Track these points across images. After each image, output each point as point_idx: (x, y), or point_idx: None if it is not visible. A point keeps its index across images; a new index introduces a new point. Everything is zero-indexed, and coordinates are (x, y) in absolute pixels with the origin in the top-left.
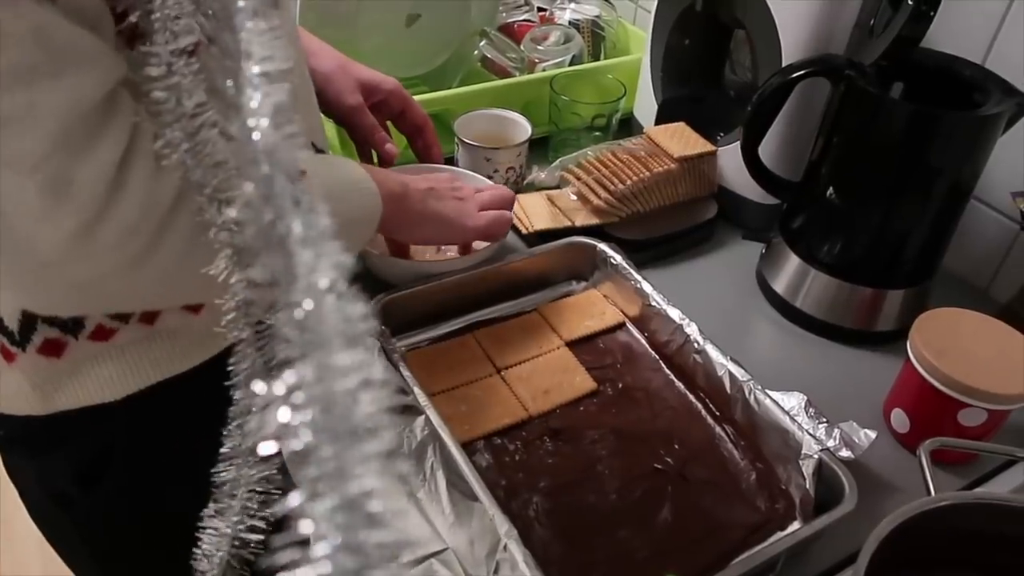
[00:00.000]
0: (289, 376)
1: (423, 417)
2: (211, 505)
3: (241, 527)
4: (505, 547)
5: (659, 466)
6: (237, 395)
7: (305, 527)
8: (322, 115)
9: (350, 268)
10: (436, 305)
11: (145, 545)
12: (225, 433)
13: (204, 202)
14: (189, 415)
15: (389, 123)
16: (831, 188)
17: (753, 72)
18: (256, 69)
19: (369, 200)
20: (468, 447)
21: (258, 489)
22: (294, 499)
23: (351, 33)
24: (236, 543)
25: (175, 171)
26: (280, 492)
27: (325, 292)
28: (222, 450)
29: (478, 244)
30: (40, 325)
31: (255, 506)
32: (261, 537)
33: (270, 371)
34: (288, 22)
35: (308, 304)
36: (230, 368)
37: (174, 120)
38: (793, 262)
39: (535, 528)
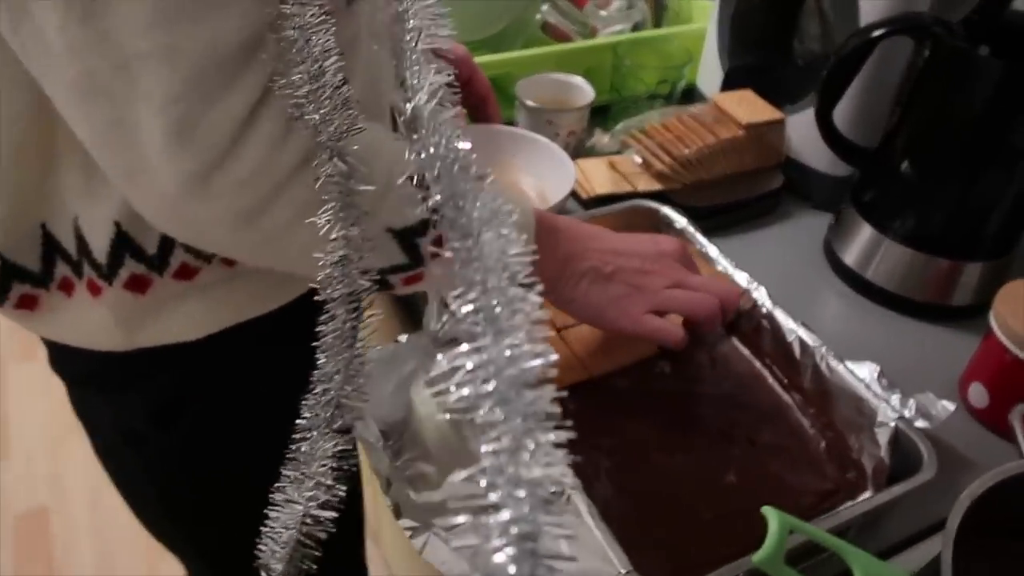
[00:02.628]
0: (473, 354)
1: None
2: (284, 478)
3: (314, 503)
4: (569, 498)
5: (725, 429)
6: (321, 359)
7: (491, 495)
8: None
9: (529, 253)
10: None
11: (212, 493)
12: (304, 401)
13: (317, 149)
14: (268, 360)
15: None
16: (909, 155)
17: (823, 41)
18: (420, 46)
19: (523, 218)
20: None
21: (333, 465)
22: (464, 472)
23: None
24: (307, 520)
25: (304, 138)
26: (355, 468)
27: (510, 278)
28: (299, 421)
29: (548, 196)
30: (128, 260)
31: (330, 482)
32: (334, 514)
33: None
34: None
35: (491, 283)
36: (318, 329)
37: (300, 62)
38: (865, 232)
39: (596, 485)
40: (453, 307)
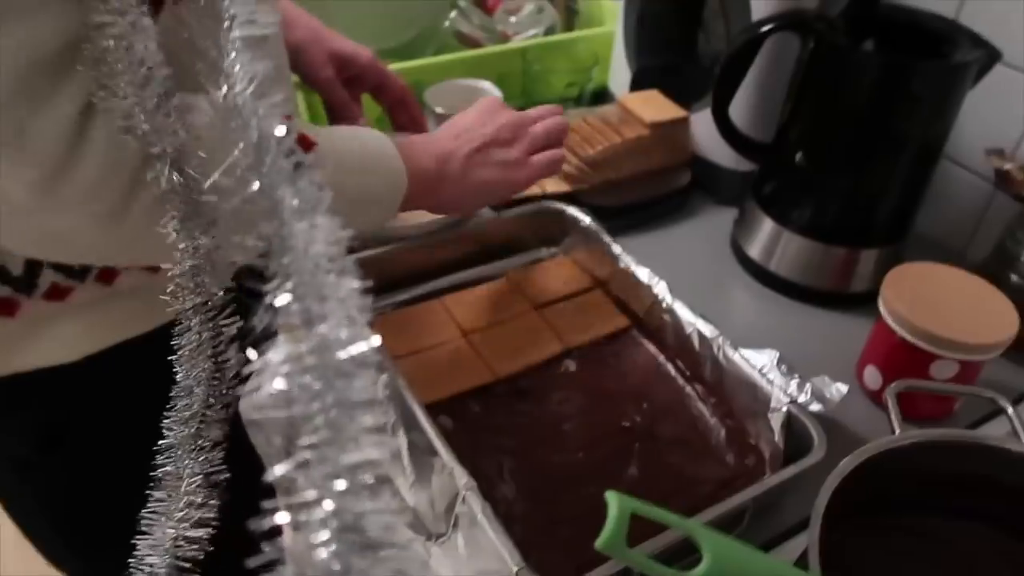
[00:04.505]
0: (284, 347)
1: (384, 377)
2: (150, 507)
3: (186, 524)
4: (464, 499)
5: (627, 424)
6: (179, 373)
7: (307, 492)
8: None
9: (347, 240)
10: (402, 270)
11: (105, 517)
12: (165, 420)
13: (155, 161)
14: (150, 379)
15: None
16: (802, 148)
17: (727, 41)
18: (237, 32)
19: (391, 179)
20: (432, 408)
21: (201, 483)
22: (280, 468)
23: (322, 3)
24: (180, 543)
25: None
26: (228, 478)
27: (320, 264)
28: (161, 442)
29: None
30: None
31: (200, 499)
32: (209, 531)
33: (243, 340)
34: None
35: (306, 276)
36: (172, 342)
37: (122, 71)
38: (766, 225)
39: (498, 487)
40: (268, 300)
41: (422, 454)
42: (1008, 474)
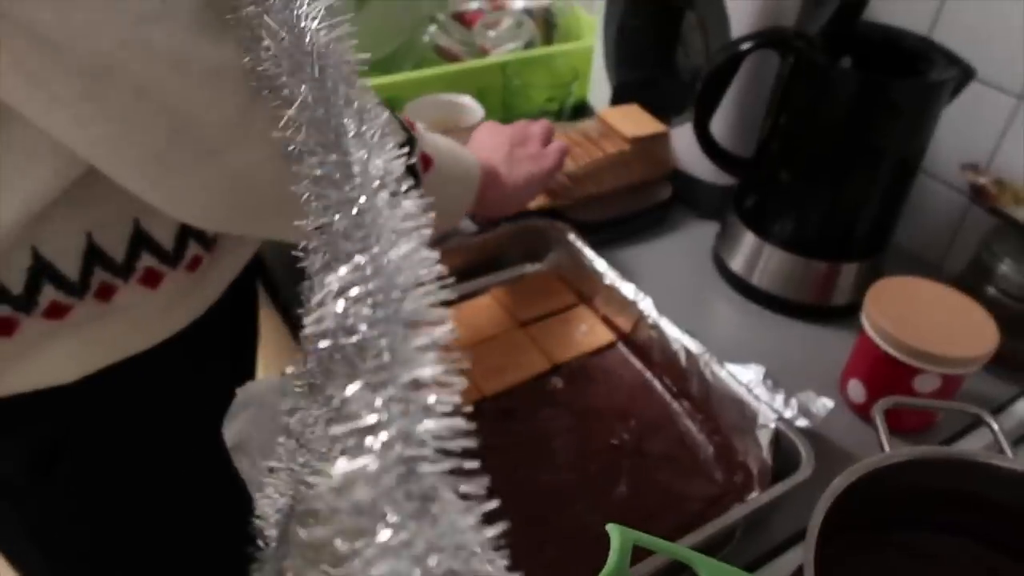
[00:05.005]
0: (344, 270)
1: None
2: (279, 446)
3: (307, 470)
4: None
5: (615, 442)
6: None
7: (365, 418)
8: None
9: (404, 166)
10: None
11: (100, 543)
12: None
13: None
14: (147, 399)
15: None
16: (782, 163)
17: (706, 55)
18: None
19: (470, 164)
20: None
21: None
22: (352, 388)
23: None
24: (302, 486)
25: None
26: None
27: (378, 189)
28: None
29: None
30: None
31: (324, 449)
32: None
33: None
34: None
35: (363, 200)
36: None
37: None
38: (748, 239)
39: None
40: (335, 225)
41: None
42: (995, 490)
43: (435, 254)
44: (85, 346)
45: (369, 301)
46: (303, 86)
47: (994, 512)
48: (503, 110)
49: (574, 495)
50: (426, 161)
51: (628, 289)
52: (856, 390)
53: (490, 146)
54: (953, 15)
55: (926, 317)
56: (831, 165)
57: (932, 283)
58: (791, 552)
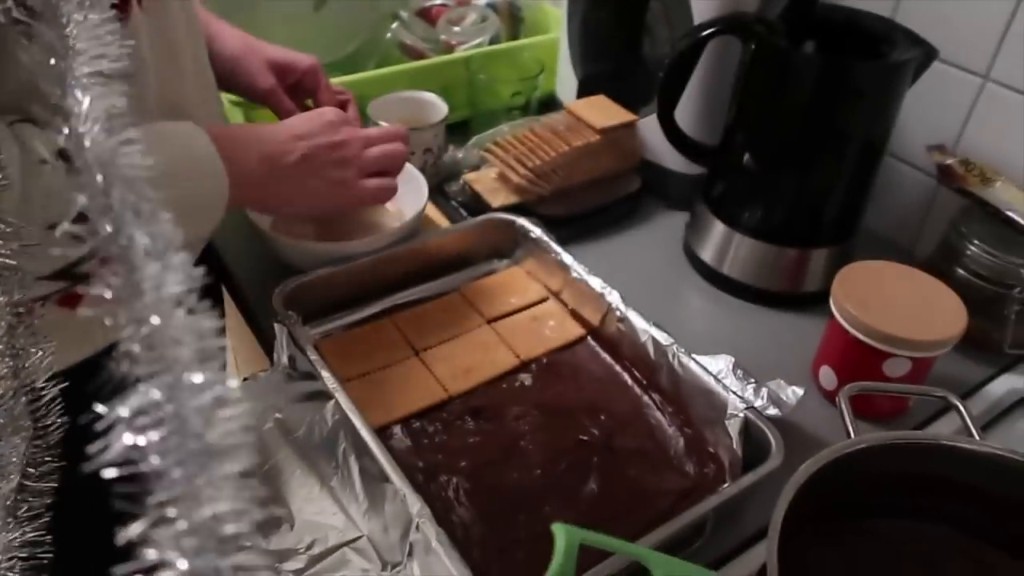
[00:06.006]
0: (135, 397)
1: (333, 402)
2: None
3: None
4: (418, 527)
5: (585, 438)
6: None
7: (151, 554)
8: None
9: (200, 279)
10: (350, 289)
11: (65, 548)
12: None
13: None
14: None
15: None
16: (748, 150)
17: (671, 45)
18: (86, 69)
19: (211, 185)
20: (384, 431)
21: (21, 555)
22: (137, 527)
23: (255, 19)
24: None
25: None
26: (51, 555)
27: (174, 307)
28: None
29: (393, 220)
30: None
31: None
32: None
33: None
34: (188, 4)
35: (155, 320)
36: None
37: None
38: (717, 228)
39: (455, 509)
40: (122, 347)
41: (375, 480)
42: (962, 472)
43: (232, 377)
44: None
45: (162, 430)
46: (83, 197)
47: (962, 494)
48: (469, 106)
49: (544, 495)
50: None
51: (595, 282)
52: (827, 377)
53: (303, 135)
54: None
55: (893, 300)
56: (797, 150)
57: (899, 266)
58: (763, 544)
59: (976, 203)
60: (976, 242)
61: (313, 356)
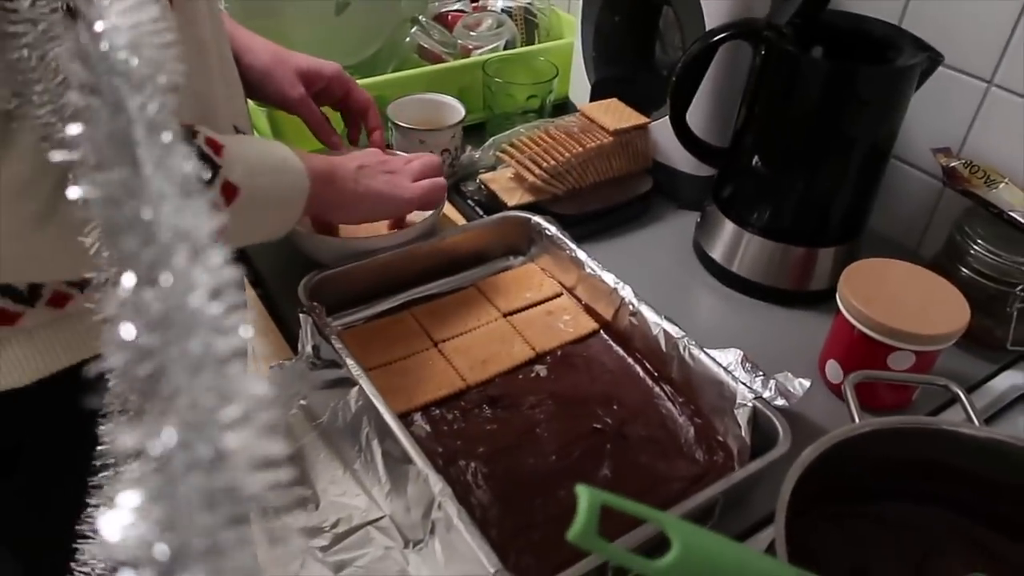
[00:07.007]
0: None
1: (356, 388)
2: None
3: None
4: (440, 506)
5: (598, 426)
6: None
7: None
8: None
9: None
10: (371, 283)
11: (62, 543)
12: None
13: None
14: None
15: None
16: (758, 152)
17: (683, 50)
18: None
19: (295, 179)
20: (405, 418)
21: None
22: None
23: (278, 23)
24: None
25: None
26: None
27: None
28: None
29: (412, 217)
30: None
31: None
32: None
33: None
34: (213, 4)
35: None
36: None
37: (37, 80)
38: (727, 228)
39: (473, 492)
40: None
41: (397, 463)
42: (962, 458)
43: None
44: (39, 349)
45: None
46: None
47: (963, 479)
48: (485, 109)
49: (558, 479)
50: (230, 192)
51: (609, 278)
52: (833, 370)
53: (353, 158)
54: (922, 2)
55: (898, 296)
56: (805, 152)
57: (904, 264)
58: (770, 527)
59: (980, 204)
60: (980, 242)
61: (338, 344)
